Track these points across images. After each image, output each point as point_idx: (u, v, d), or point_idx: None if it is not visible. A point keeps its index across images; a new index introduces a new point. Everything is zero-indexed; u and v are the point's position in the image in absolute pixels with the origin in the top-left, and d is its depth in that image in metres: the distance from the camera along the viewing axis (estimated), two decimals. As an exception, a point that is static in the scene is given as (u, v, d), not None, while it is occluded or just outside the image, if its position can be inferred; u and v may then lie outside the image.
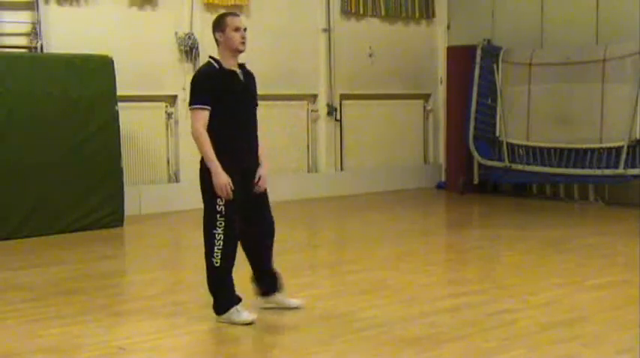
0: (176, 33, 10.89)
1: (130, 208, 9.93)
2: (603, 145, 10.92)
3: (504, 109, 11.97)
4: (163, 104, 10.93)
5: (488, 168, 12.11)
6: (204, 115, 5.37)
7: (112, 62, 9.54)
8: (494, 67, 12.04)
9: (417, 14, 13.13)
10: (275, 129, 11.80)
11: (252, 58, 11.94)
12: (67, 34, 10.00)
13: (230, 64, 5.52)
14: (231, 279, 5.55)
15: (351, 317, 5.74)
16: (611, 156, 10.83)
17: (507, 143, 11.86)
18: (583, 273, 7.10)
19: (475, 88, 12.19)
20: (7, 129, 8.88)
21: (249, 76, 5.66)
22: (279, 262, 7.65)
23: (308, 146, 12.15)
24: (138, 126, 10.53)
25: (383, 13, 12.77)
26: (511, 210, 11.10)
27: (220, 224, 5.37)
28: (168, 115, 10.96)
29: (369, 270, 7.36)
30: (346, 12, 12.41)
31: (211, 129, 5.38)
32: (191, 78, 5.64)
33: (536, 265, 7.53)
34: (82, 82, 9.34)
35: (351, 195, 12.29)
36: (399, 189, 12.93)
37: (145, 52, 10.63)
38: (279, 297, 5.84)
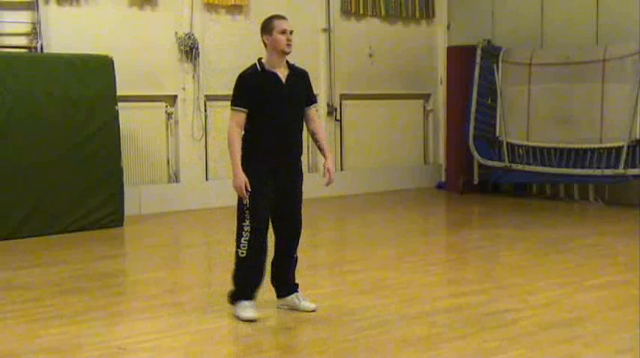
0: (176, 33, 10.89)
1: (129, 208, 9.93)
2: (603, 145, 10.91)
3: (504, 109, 11.97)
4: (163, 104, 10.93)
5: (489, 168, 12.11)
6: (238, 116, 5.60)
7: (112, 62, 9.54)
8: (494, 67, 12.04)
9: (417, 14, 13.13)
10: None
11: (252, 58, 11.99)
12: (67, 34, 10.00)
13: (275, 65, 5.67)
14: (260, 271, 5.67)
15: (351, 317, 5.74)
16: (611, 156, 10.83)
17: (507, 143, 11.86)
18: (583, 273, 7.10)
19: (475, 88, 12.19)
20: (7, 129, 8.88)
21: (297, 77, 5.78)
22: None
23: (308, 146, 12.12)
24: (138, 126, 10.54)
25: (383, 13, 12.77)
26: (511, 210, 11.09)
27: (247, 216, 5.58)
28: (168, 115, 10.96)
29: (369, 270, 7.36)
30: (346, 12, 12.42)
31: (247, 128, 5.63)
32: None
33: (536, 265, 7.53)
34: (82, 82, 9.34)
35: (351, 195, 12.29)
36: (399, 189, 12.93)
37: (145, 52, 10.63)
38: (292, 300, 5.88)
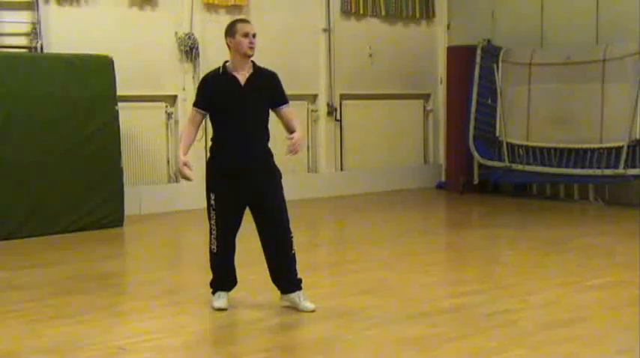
0: (176, 33, 10.89)
1: (129, 208, 9.93)
2: (603, 145, 10.91)
3: (504, 109, 11.97)
4: (163, 104, 10.93)
5: (489, 168, 12.10)
6: (194, 115, 5.94)
7: (112, 62, 9.54)
8: (494, 67, 12.04)
9: (417, 14, 13.13)
10: (274, 129, 11.78)
11: (252, 58, 11.98)
12: (67, 34, 10.00)
13: (238, 68, 5.79)
14: (227, 266, 6.00)
15: (351, 317, 5.74)
16: (611, 156, 10.83)
17: (507, 143, 11.86)
18: (583, 273, 7.10)
19: (475, 88, 12.19)
20: (7, 129, 8.88)
21: (261, 79, 5.85)
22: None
23: (308, 146, 12.14)
24: (138, 126, 10.54)
25: (383, 13, 12.76)
26: (511, 210, 11.09)
27: (213, 216, 5.90)
28: (168, 115, 10.96)
29: (369, 270, 7.36)
30: (346, 12, 12.41)
31: (213, 130, 5.94)
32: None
33: (536, 265, 7.53)
34: (82, 82, 9.34)
35: (351, 195, 12.29)
36: (399, 189, 12.92)
37: (145, 52, 10.62)
38: (294, 298, 5.91)
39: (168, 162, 11.01)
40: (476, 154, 12.11)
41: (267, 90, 5.88)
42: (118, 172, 9.66)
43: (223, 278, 6.03)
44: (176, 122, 10.99)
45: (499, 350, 4.97)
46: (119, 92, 9.63)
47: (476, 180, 12.30)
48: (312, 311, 5.81)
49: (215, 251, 5.97)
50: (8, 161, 8.87)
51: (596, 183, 11.26)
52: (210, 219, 5.93)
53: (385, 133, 12.99)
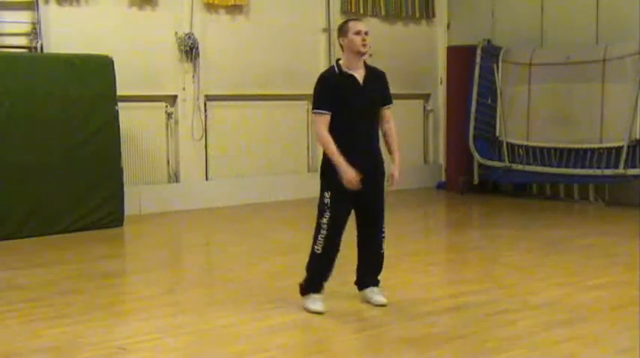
0: (176, 33, 10.89)
1: (129, 208, 9.93)
2: (603, 145, 10.91)
3: (504, 109, 11.97)
4: (163, 104, 10.92)
5: (488, 168, 12.10)
6: (324, 119, 5.68)
7: (112, 62, 9.53)
8: (494, 67, 12.04)
9: (417, 14, 13.13)
10: (275, 129, 11.81)
11: (252, 58, 12.02)
12: (67, 34, 10.00)
13: (352, 67, 5.75)
14: (326, 270, 5.82)
15: (351, 317, 5.74)
16: (611, 156, 10.83)
17: (507, 143, 11.86)
18: (583, 273, 7.10)
19: (475, 88, 12.19)
20: (7, 129, 8.88)
21: (374, 78, 5.85)
22: (280, 262, 7.68)
23: (308, 146, 12.14)
24: (138, 126, 10.53)
25: (383, 13, 12.77)
26: (511, 210, 11.09)
27: (326, 215, 5.70)
28: (168, 115, 10.96)
29: (369, 270, 7.34)
30: (346, 12, 12.40)
31: (331, 129, 5.68)
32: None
33: (536, 265, 7.52)
34: (82, 82, 9.34)
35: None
36: (399, 189, 12.89)
37: (145, 52, 10.62)
38: (368, 292, 5.98)
39: (168, 162, 11.01)
40: (476, 154, 12.11)
41: (380, 89, 5.88)
42: (118, 172, 9.66)
43: (320, 282, 5.86)
44: (176, 122, 10.99)
45: (499, 350, 4.97)
46: (119, 92, 9.62)
47: (476, 180, 12.30)
48: (384, 305, 5.89)
49: (319, 252, 5.76)
50: (8, 161, 8.86)
51: (596, 183, 11.26)
52: (322, 218, 5.72)
53: (385, 133, 12.97)
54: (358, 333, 5.37)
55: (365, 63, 5.83)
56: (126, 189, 9.79)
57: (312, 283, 5.84)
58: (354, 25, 5.78)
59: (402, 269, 7.37)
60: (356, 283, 6.09)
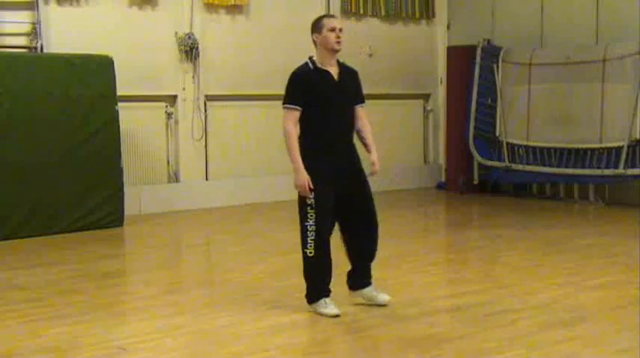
0: (176, 33, 10.89)
1: (129, 208, 9.93)
2: (603, 145, 10.91)
3: (504, 109, 11.97)
4: (163, 104, 10.93)
5: (488, 168, 12.11)
6: (293, 115, 5.62)
7: (112, 62, 9.53)
8: (494, 67, 12.04)
9: (417, 14, 13.13)
10: (275, 129, 11.77)
11: (252, 58, 12.01)
12: (67, 34, 10.00)
13: (326, 63, 5.73)
14: (325, 271, 5.77)
15: (351, 317, 5.74)
16: (611, 156, 10.83)
17: (507, 143, 11.86)
18: (583, 273, 7.10)
19: (475, 88, 12.19)
20: (7, 129, 8.88)
21: (347, 75, 5.85)
22: (280, 262, 7.67)
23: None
24: (138, 126, 10.53)
25: (383, 13, 12.77)
26: (511, 210, 11.09)
27: (312, 216, 5.61)
28: (168, 115, 10.96)
29: (369, 270, 7.35)
30: (346, 12, 12.41)
31: (303, 127, 5.65)
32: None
33: (536, 265, 7.52)
34: (82, 82, 9.34)
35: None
36: (399, 189, 12.92)
37: (145, 52, 10.62)
38: (368, 292, 5.94)
39: (168, 162, 11.01)
40: (476, 154, 12.11)
41: (353, 86, 5.90)
42: (118, 172, 9.66)
43: (323, 284, 5.78)
44: (176, 122, 10.99)
45: (499, 350, 4.97)
46: (119, 92, 9.63)
47: (476, 180, 12.30)
48: (386, 304, 5.87)
49: (312, 255, 5.68)
50: (8, 161, 8.86)
51: (596, 183, 11.26)
52: (306, 220, 5.63)
53: (385, 133, 12.95)
54: (358, 333, 5.37)
55: (337, 60, 5.82)
56: (126, 189, 9.79)
57: (317, 288, 5.77)
58: (329, 22, 5.75)
59: (402, 270, 7.37)
60: (351, 284, 6.01)
